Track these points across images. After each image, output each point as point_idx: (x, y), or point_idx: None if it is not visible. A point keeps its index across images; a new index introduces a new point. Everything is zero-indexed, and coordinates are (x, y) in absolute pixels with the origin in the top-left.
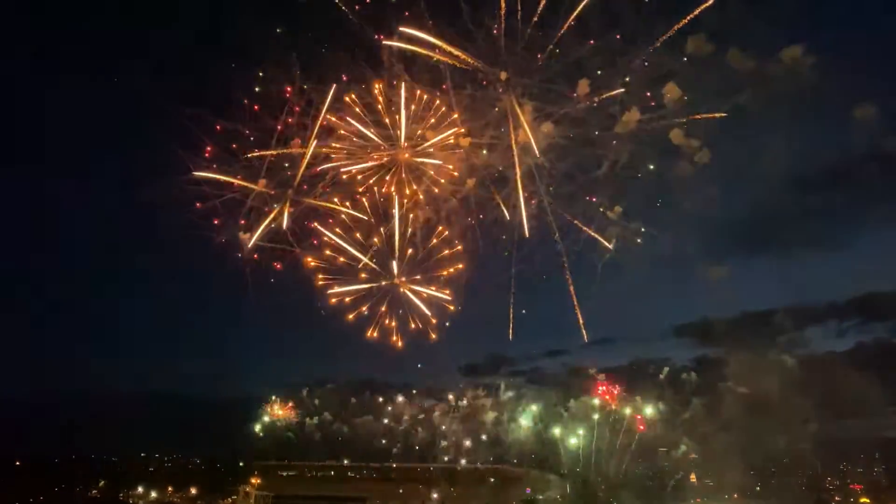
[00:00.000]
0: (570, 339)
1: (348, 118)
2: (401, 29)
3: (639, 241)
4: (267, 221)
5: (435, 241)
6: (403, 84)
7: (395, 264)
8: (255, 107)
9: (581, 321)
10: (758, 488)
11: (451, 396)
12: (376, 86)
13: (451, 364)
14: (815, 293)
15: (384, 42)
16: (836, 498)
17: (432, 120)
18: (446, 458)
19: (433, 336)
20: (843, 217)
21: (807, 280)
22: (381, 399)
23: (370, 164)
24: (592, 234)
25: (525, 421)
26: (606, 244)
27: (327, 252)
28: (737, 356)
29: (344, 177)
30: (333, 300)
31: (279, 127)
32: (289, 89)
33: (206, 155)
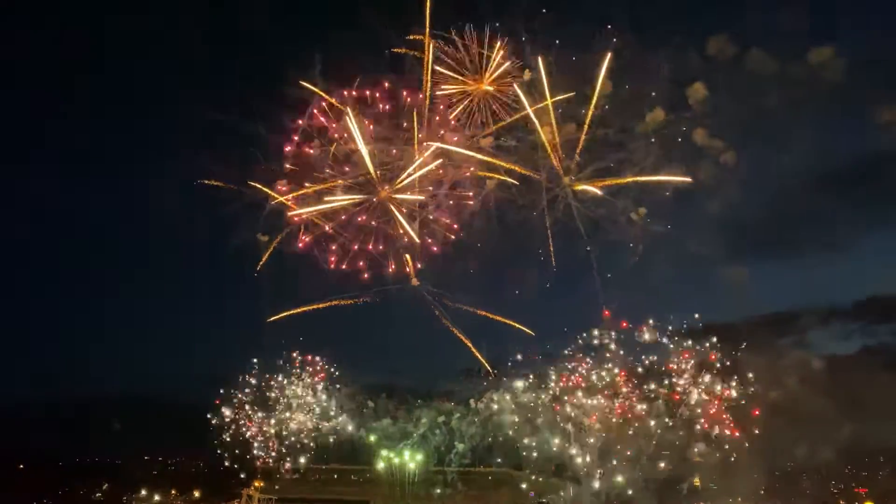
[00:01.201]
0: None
1: (368, 119)
2: (421, 37)
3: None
4: (281, 235)
5: None
6: (424, 83)
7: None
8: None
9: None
10: (762, 492)
11: (471, 400)
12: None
13: (473, 366)
14: (820, 295)
15: (399, 50)
16: (841, 502)
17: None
18: (464, 461)
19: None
20: (849, 219)
21: (811, 282)
22: (398, 403)
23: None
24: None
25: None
26: (633, 247)
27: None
28: (743, 359)
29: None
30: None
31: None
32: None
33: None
